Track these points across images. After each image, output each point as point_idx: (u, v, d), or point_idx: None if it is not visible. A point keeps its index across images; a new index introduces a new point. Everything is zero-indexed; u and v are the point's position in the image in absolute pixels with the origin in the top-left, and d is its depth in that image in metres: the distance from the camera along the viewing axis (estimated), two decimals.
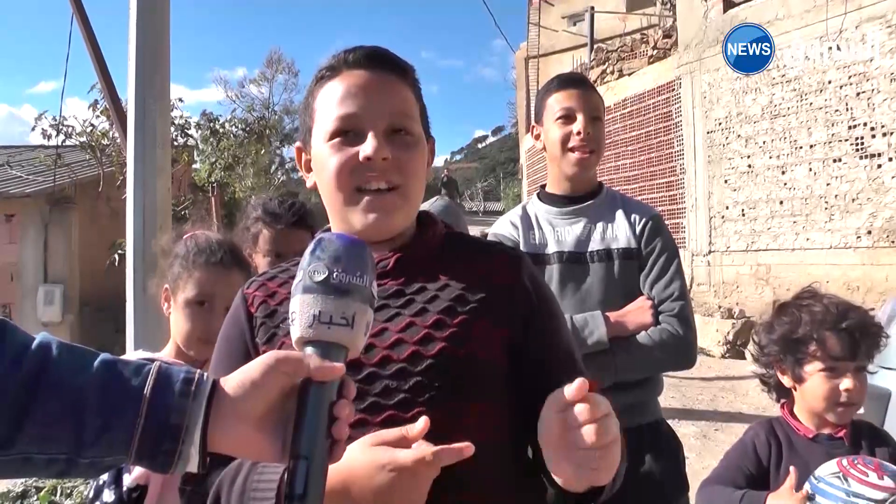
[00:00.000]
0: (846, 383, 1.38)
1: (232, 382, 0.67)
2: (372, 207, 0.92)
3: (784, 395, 1.53)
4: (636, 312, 1.62)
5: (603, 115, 1.76)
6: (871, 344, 1.40)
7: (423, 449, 0.74)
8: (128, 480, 1.37)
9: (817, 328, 1.41)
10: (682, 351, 1.59)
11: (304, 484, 0.62)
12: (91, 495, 1.43)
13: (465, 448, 0.74)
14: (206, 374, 0.69)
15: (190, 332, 1.48)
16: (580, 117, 1.69)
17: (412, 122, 0.95)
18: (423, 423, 0.76)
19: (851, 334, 1.38)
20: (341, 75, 0.94)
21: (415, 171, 0.95)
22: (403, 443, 0.76)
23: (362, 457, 0.76)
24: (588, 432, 0.67)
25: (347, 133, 0.92)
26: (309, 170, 1.00)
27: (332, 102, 0.93)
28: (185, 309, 1.49)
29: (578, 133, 1.69)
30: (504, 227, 1.80)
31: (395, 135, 0.93)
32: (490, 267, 0.96)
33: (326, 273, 0.69)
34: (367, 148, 0.90)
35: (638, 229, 1.68)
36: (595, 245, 1.70)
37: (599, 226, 1.71)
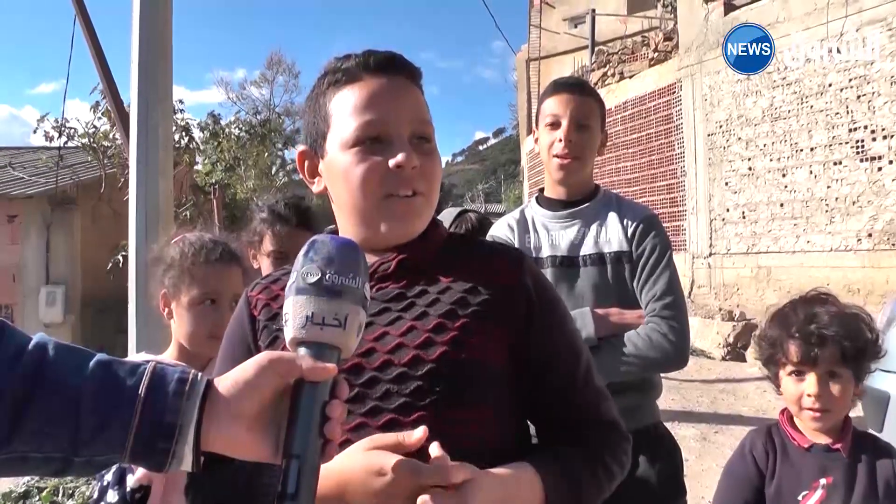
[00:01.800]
0: (809, 388, 1.38)
1: (226, 382, 0.68)
2: (402, 213, 0.91)
3: None
4: (626, 312, 1.62)
5: (596, 121, 1.74)
6: (846, 353, 1.38)
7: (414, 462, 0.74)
8: (131, 481, 1.37)
9: (784, 333, 1.43)
10: (672, 350, 1.57)
11: (296, 483, 0.63)
12: (95, 496, 1.43)
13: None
14: (200, 374, 0.69)
15: (200, 331, 1.48)
16: (564, 123, 1.69)
17: (431, 129, 0.95)
18: (421, 431, 0.76)
19: (808, 340, 1.38)
20: (361, 81, 0.92)
21: (437, 179, 0.95)
22: (400, 448, 0.76)
23: (357, 461, 0.76)
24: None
25: (372, 140, 0.90)
26: (313, 175, 0.98)
27: (353, 109, 0.91)
28: (192, 309, 1.48)
29: (560, 140, 1.69)
30: (501, 230, 1.81)
31: (418, 142, 0.92)
32: (491, 268, 0.95)
33: (319, 275, 0.69)
34: (399, 157, 0.88)
35: (630, 232, 1.67)
36: (588, 249, 1.69)
37: (593, 229, 1.70)
